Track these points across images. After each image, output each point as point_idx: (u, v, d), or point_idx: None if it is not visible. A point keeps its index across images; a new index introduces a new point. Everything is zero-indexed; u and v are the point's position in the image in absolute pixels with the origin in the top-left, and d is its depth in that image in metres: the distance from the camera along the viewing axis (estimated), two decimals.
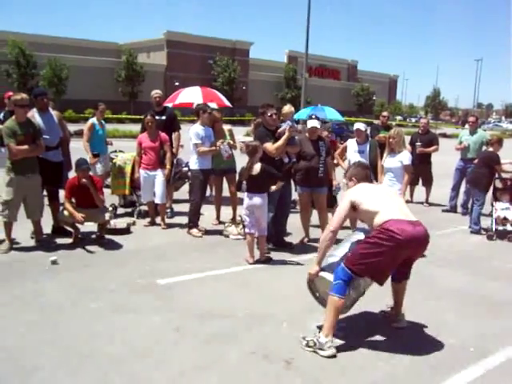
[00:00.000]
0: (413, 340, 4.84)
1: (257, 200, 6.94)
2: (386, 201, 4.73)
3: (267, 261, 7.11)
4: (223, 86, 58.88)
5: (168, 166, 8.86)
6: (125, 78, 58.13)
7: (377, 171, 8.28)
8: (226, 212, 9.32)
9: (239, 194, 9.10)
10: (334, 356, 4.40)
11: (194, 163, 8.39)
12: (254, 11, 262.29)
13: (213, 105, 11.11)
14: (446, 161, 14.05)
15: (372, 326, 5.13)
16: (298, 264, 7.08)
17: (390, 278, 4.88)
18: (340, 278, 4.52)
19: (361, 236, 4.84)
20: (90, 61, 58.29)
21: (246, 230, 7.12)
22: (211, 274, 6.53)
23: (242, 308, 5.42)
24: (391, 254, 4.45)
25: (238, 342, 4.63)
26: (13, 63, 50.55)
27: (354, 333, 4.82)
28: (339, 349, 4.53)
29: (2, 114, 10.51)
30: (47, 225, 7.88)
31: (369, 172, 5.32)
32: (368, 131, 11.91)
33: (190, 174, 8.96)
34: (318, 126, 8.00)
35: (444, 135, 45.75)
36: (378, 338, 4.83)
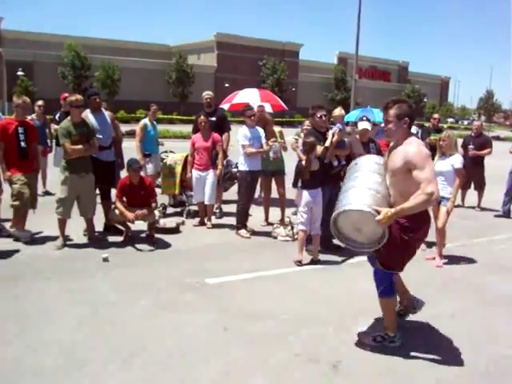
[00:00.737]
0: (464, 347, 4.72)
1: (316, 196, 7.00)
2: None
3: (315, 263, 7.10)
4: (272, 87, 58.96)
5: (219, 167, 8.91)
6: (175, 79, 58.94)
7: None
8: (275, 213, 9.33)
9: (288, 196, 9.12)
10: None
11: (242, 164, 8.44)
12: (305, 12, 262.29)
13: (266, 106, 11.13)
14: (499, 164, 13.71)
15: (422, 331, 5.05)
16: (345, 267, 7.04)
17: None
18: (385, 282, 4.52)
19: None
20: (141, 63, 59.35)
21: (301, 227, 7.11)
22: (259, 274, 6.55)
23: (289, 309, 5.42)
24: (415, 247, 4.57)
25: (285, 344, 4.63)
26: (68, 65, 52.02)
27: (404, 338, 4.75)
28: (388, 354, 4.48)
29: (58, 115, 10.86)
30: (99, 223, 8.06)
31: None
32: (419, 134, 11.74)
33: (238, 174, 9.00)
34: (369, 128, 7.96)
35: (497, 138, 44.70)
36: (428, 344, 4.74)
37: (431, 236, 7.80)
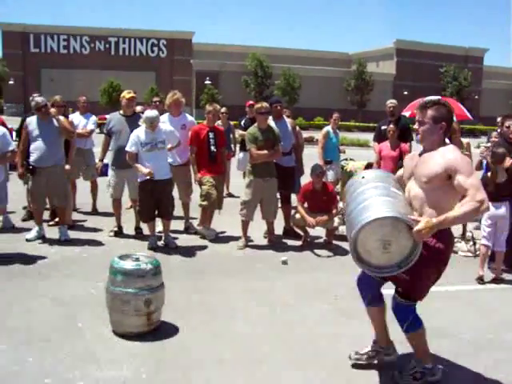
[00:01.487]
0: None
1: (502, 209, 6.67)
2: None
3: (498, 281, 6.70)
4: (452, 95, 56.56)
5: None
6: (354, 87, 58.95)
7: None
8: (456, 227, 8.91)
9: None
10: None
11: None
12: (491, 14, 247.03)
13: None
14: None
15: None
16: None
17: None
18: (411, 315, 4.01)
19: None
20: (320, 71, 60.23)
21: (483, 242, 6.79)
22: (437, 290, 6.19)
23: (467, 329, 5.13)
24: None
25: (463, 365, 4.40)
26: (251, 74, 54.46)
27: None
28: None
29: (243, 121, 11.40)
30: (279, 226, 8.32)
31: None
32: None
33: None
34: None
35: None
36: None
37: None
